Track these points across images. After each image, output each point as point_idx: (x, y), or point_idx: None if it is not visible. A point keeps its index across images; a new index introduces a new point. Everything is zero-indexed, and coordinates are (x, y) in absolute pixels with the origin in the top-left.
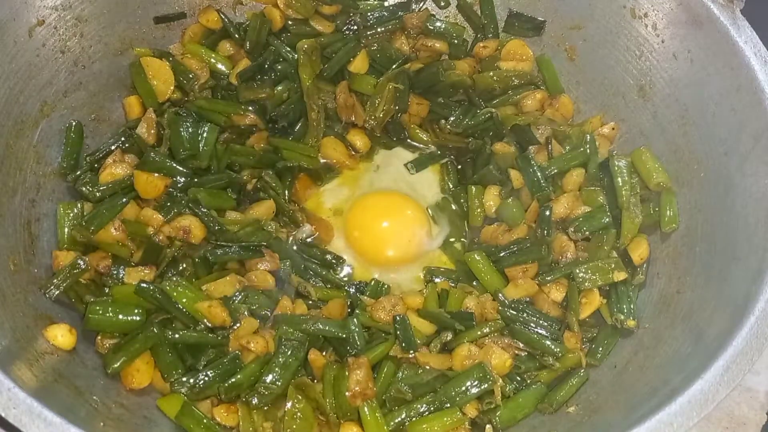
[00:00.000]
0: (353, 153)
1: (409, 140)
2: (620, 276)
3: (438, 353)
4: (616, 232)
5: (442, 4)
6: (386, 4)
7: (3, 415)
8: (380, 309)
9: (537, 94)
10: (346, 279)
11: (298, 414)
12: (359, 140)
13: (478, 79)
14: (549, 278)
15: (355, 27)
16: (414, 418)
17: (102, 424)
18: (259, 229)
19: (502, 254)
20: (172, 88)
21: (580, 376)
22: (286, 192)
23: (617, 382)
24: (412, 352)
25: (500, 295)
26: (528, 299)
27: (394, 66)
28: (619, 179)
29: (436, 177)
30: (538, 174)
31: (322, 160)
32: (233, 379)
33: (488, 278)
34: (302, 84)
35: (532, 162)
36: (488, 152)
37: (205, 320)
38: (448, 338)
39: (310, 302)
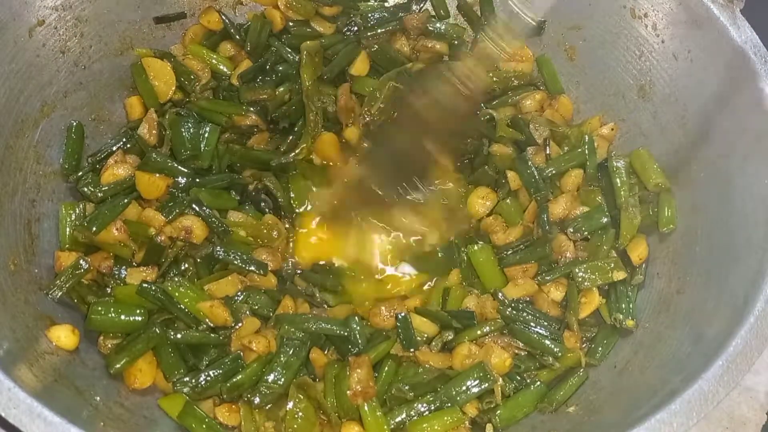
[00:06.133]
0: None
1: None
2: (619, 275)
3: (438, 352)
4: (615, 232)
5: (442, 12)
6: (387, 5)
7: (3, 415)
8: (377, 315)
9: (536, 94)
10: None
11: (300, 413)
12: (351, 134)
13: None
14: (548, 278)
15: (356, 28)
16: (414, 418)
17: (102, 424)
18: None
19: (503, 254)
20: (173, 88)
21: (579, 376)
22: (291, 194)
23: (617, 382)
24: (412, 350)
25: (500, 294)
26: (528, 299)
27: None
28: (618, 180)
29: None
30: (536, 175)
31: (317, 161)
32: (235, 379)
33: (488, 274)
34: (303, 84)
35: (530, 163)
36: (486, 153)
37: (207, 320)
38: (449, 337)
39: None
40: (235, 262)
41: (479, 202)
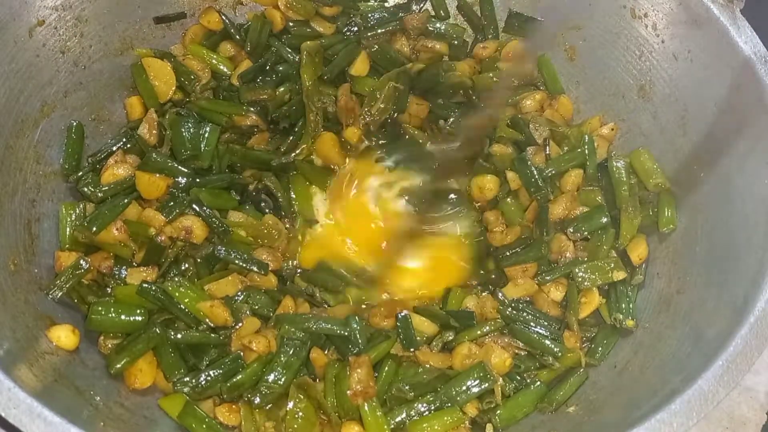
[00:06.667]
0: (348, 149)
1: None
2: (619, 275)
3: (438, 352)
4: (614, 232)
5: (442, 13)
6: (387, 5)
7: (3, 415)
8: (377, 315)
9: (536, 94)
10: None
11: (300, 413)
12: (352, 134)
13: (477, 80)
14: (548, 278)
15: (356, 28)
16: (415, 418)
17: (102, 424)
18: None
19: (502, 254)
20: (173, 88)
21: (579, 376)
22: (291, 194)
23: (617, 382)
24: (412, 350)
25: (500, 294)
26: (528, 299)
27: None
28: (618, 180)
29: None
30: (536, 175)
31: (318, 162)
32: (235, 379)
33: None
34: (303, 85)
35: (529, 163)
36: (486, 153)
37: (207, 320)
38: (450, 337)
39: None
40: (236, 262)
41: (486, 187)
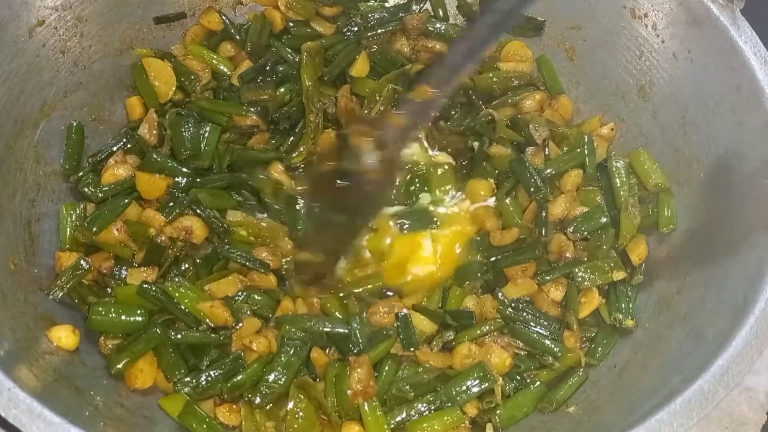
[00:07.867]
0: None
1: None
2: (619, 275)
3: (438, 352)
4: (614, 232)
5: (441, 14)
6: (387, 5)
7: (3, 415)
8: (375, 314)
9: (536, 95)
10: None
11: (300, 413)
12: None
13: (477, 80)
14: (548, 278)
15: (356, 28)
16: (415, 417)
17: (102, 424)
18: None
19: (500, 255)
20: (173, 88)
21: (579, 376)
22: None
23: (617, 382)
24: (412, 349)
25: (500, 294)
26: (528, 298)
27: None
28: (617, 180)
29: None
30: (534, 176)
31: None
32: (236, 379)
33: None
34: (302, 85)
35: (527, 165)
36: (486, 152)
37: (208, 320)
38: (450, 337)
39: None
40: (238, 260)
41: (480, 193)
